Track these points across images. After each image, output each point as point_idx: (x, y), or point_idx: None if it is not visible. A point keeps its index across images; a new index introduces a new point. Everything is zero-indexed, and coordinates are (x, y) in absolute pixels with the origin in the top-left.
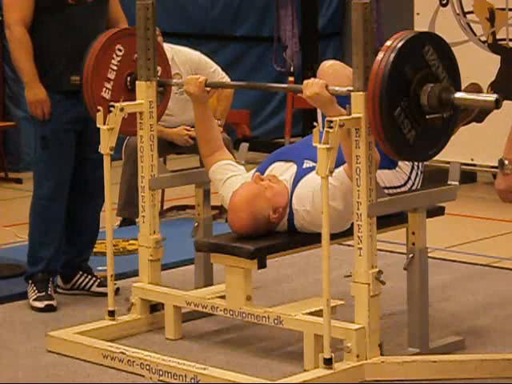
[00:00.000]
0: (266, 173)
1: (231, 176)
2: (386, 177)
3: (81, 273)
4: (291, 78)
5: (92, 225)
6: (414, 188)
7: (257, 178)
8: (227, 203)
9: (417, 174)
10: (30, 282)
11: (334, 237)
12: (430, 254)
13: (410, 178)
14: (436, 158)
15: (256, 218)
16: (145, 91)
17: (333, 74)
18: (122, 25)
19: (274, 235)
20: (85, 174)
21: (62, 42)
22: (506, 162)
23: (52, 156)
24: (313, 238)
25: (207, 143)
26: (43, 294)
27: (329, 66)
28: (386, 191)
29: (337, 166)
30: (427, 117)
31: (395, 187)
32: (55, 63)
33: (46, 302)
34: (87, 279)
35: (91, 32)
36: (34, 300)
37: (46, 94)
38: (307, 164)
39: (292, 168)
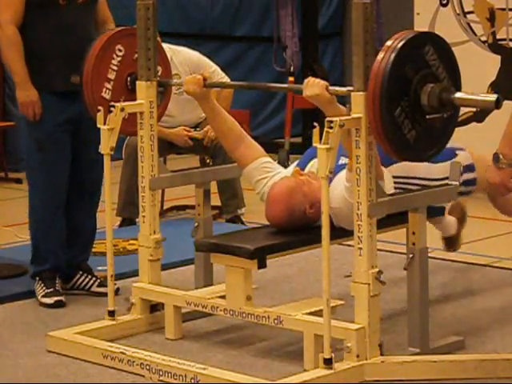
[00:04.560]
0: (306, 168)
1: (275, 174)
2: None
3: (81, 273)
4: (291, 78)
5: (89, 224)
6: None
7: (296, 172)
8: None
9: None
10: (38, 279)
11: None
12: (430, 254)
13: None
14: None
15: (292, 211)
16: (145, 91)
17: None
18: (110, 25)
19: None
20: (79, 174)
21: (53, 42)
22: (501, 156)
23: (47, 158)
24: (313, 238)
25: (227, 137)
26: (51, 290)
27: None
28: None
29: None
30: (427, 117)
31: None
32: (47, 63)
33: (56, 298)
34: (87, 279)
35: (82, 32)
36: (43, 296)
37: (37, 95)
38: (342, 160)
39: None
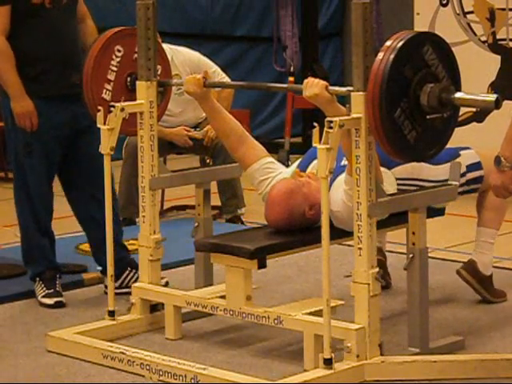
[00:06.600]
0: (307, 170)
1: (277, 175)
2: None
3: (129, 269)
4: (291, 78)
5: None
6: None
7: (296, 173)
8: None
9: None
10: (38, 279)
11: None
12: (430, 254)
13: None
14: None
15: (291, 213)
16: (145, 91)
17: None
18: (89, 21)
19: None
20: (75, 177)
21: (44, 47)
22: (503, 159)
23: (35, 162)
24: (313, 238)
25: (228, 137)
26: (52, 290)
27: None
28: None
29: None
30: (427, 117)
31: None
32: (40, 69)
33: (56, 299)
34: (136, 276)
35: (70, 33)
36: (43, 297)
37: (33, 105)
38: (345, 161)
39: None
